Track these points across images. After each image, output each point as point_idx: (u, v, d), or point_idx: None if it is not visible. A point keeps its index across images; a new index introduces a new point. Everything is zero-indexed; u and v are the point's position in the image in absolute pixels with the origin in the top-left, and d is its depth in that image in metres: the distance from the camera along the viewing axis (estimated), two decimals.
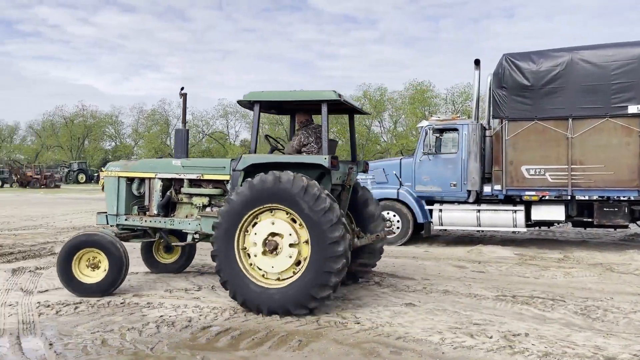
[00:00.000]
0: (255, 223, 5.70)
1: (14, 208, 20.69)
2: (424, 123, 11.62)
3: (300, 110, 6.70)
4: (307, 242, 5.50)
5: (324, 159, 5.77)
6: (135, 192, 7.15)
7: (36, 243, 10.75)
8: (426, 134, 11.05)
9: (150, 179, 7.01)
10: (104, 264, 6.32)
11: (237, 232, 5.69)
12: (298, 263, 5.57)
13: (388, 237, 10.96)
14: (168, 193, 6.92)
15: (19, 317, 5.41)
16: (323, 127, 5.94)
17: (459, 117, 11.97)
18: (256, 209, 5.64)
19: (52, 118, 79.67)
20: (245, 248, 5.73)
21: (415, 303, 6.13)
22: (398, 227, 11.12)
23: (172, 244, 7.48)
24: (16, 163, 50.85)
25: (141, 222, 6.96)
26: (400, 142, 65.51)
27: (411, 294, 6.65)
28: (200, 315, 5.57)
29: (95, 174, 56.02)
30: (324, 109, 5.96)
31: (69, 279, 6.29)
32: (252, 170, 5.94)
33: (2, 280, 7.14)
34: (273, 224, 5.61)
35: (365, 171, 7.09)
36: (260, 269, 5.67)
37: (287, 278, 5.58)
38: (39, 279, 7.25)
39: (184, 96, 7.19)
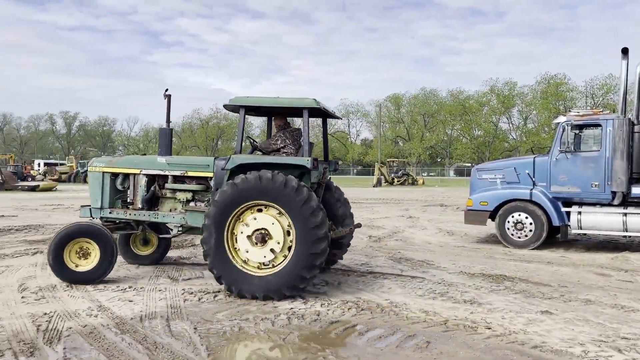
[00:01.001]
0: (242, 220, 6.21)
1: None
2: (561, 119, 10.77)
3: (279, 114, 7.21)
4: (289, 231, 6.09)
5: (306, 161, 6.31)
6: (119, 187, 7.54)
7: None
8: (564, 130, 10.25)
9: (135, 174, 7.42)
10: (94, 253, 6.68)
11: (226, 229, 6.18)
12: (286, 249, 6.12)
13: (519, 239, 10.45)
14: (152, 188, 7.36)
15: (167, 302, 5.97)
16: (304, 131, 6.59)
17: (601, 111, 10.92)
18: (241, 207, 6.15)
19: (190, 120, 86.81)
20: (235, 243, 6.22)
21: (552, 311, 5.73)
22: (530, 230, 10.45)
23: (161, 236, 7.96)
24: None
25: (125, 215, 7.39)
26: (530, 140, 61.36)
27: (547, 301, 6.23)
28: (328, 310, 5.72)
29: None
30: (305, 115, 6.51)
31: (61, 268, 6.58)
32: (237, 170, 6.40)
33: (152, 268, 7.92)
34: (255, 219, 6.15)
35: (336, 170, 7.53)
36: (251, 260, 6.17)
37: (278, 264, 6.12)
38: (183, 268, 7.94)
39: (168, 97, 7.61)
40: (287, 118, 7.36)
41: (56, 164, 57.31)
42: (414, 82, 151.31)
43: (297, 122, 9.56)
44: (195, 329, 5.02)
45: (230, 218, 6.17)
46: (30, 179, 42.43)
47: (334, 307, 5.81)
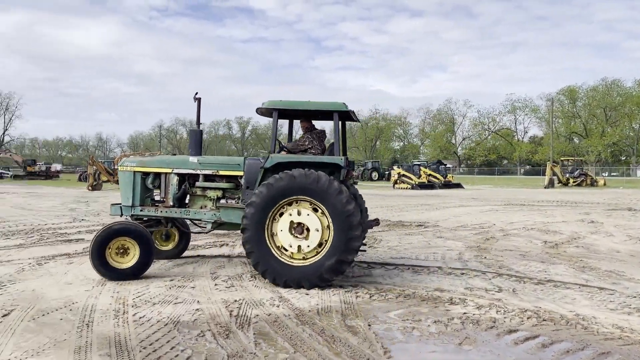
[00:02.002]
0: (281, 215, 6.65)
1: None
2: None
3: (310, 117, 7.61)
4: (326, 222, 6.54)
5: (340, 159, 6.82)
6: (149, 186, 7.76)
7: None
8: None
9: (166, 174, 7.68)
10: (134, 251, 6.94)
11: (266, 225, 6.63)
12: (321, 240, 6.57)
13: None
14: (183, 186, 7.63)
15: (340, 297, 6.20)
16: (335, 132, 6.97)
17: None
18: (280, 203, 6.60)
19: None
20: (276, 237, 6.65)
21: None
22: None
23: (192, 232, 8.54)
24: None
25: (157, 213, 7.64)
26: None
27: None
28: (505, 317, 5.43)
29: (387, 172, 60.23)
30: (336, 117, 6.98)
31: (103, 265, 6.82)
32: (272, 169, 6.85)
33: None
34: (293, 214, 6.60)
35: (353, 170, 7.80)
36: (293, 252, 6.60)
37: (319, 254, 6.57)
38: (354, 265, 8.16)
39: (198, 100, 7.86)
40: (312, 120, 7.74)
41: None
42: (592, 71, 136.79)
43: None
44: (369, 325, 5.14)
45: (270, 214, 6.63)
46: None
47: (511, 315, 5.50)
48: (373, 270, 7.88)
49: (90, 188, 32.99)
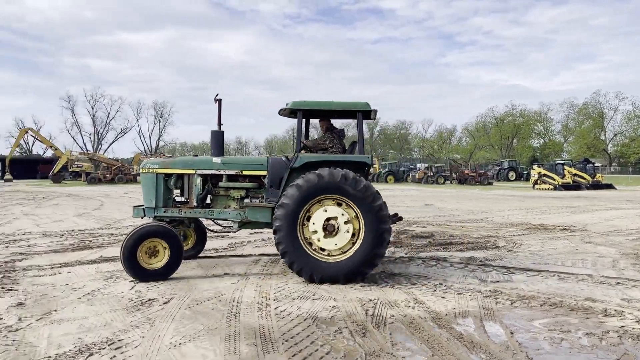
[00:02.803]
0: (312, 212, 6.81)
1: (456, 202, 23.14)
2: None
3: (334, 116, 7.84)
4: (356, 218, 6.78)
5: (367, 157, 7.22)
6: (172, 187, 7.73)
7: (480, 236, 11.66)
8: None
9: (190, 175, 7.69)
10: (163, 252, 6.99)
11: (299, 224, 6.77)
12: (353, 235, 6.76)
13: None
14: (206, 187, 7.67)
15: (479, 302, 5.96)
16: (359, 131, 7.29)
17: None
18: (311, 202, 6.75)
19: (484, 119, 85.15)
20: (309, 236, 6.79)
21: None
22: None
23: (217, 232, 8.84)
24: (455, 162, 56.66)
25: (180, 214, 7.63)
26: None
27: None
28: None
29: (525, 172, 56.65)
30: (360, 117, 7.27)
31: (134, 267, 6.86)
32: (300, 169, 7.08)
33: (461, 266, 8.05)
34: (325, 211, 6.78)
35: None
36: (326, 249, 6.78)
37: (351, 249, 6.77)
38: (491, 270, 7.82)
39: (219, 102, 7.85)
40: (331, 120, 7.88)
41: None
42: None
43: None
44: (512, 333, 4.88)
45: (301, 214, 6.77)
46: None
47: None
48: (513, 275, 7.46)
49: None
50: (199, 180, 7.64)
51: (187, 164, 7.72)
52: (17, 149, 65.83)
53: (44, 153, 72.89)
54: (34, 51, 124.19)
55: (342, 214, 6.80)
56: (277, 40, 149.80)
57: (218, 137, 8.03)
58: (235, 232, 7.70)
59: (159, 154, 74.30)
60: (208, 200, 7.80)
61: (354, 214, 6.82)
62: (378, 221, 6.72)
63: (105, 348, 4.48)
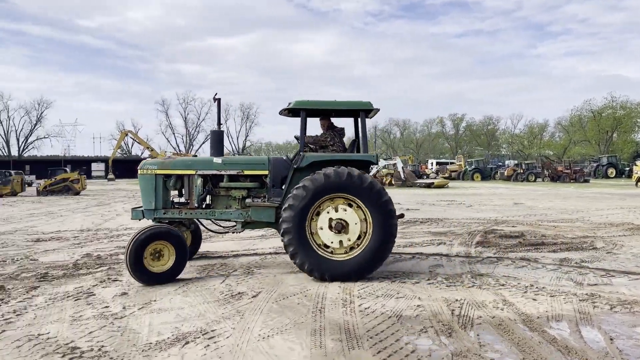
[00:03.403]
0: (319, 212, 6.85)
1: (548, 201, 21.97)
2: None
3: (336, 115, 7.92)
4: (364, 214, 6.83)
5: (372, 156, 7.32)
6: (171, 189, 7.55)
7: (575, 236, 11.00)
8: None
9: (190, 175, 7.51)
10: (168, 254, 6.86)
11: (307, 222, 6.78)
12: (360, 237, 6.84)
13: None
14: (207, 187, 7.53)
15: (574, 306, 5.65)
16: (362, 130, 7.39)
17: None
18: (319, 201, 6.77)
19: (580, 113, 79.94)
20: (317, 235, 6.83)
21: None
22: None
23: (216, 232, 8.31)
24: (547, 158, 53.79)
25: (181, 215, 7.49)
26: None
27: None
28: None
29: (627, 169, 52.62)
30: (362, 115, 7.35)
31: (140, 270, 6.67)
32: (305, 168, 7.09)
33: (554, 267, 7.66)
34: (332, 210, 6.83)
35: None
36: (334, 247, 6.83)
37: (360, 246, 6.84)
38: (587, 272, 7.37)
39: (217, 101, 7.68)
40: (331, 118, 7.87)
41: (447, 163, 62.16)
42: None
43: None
44: (611, 340, 4.59)
45: (308, 214, 6.76)
46: (425, 177, 47.44)
47: None
48: (613, 278, 6.99)
49: None
50: (199, 180, 7.52)
51: (187, 164, 7.61)
52: (119, 151, 70.94)
53: (142, 154, 77.95)
54: (133, 59, 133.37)
55: (349, 212, 6.86)
56: (359, 38, 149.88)
57: (218, 137, 7.94)
58: (239, 232, 7.66)
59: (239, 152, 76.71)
60: (208, 201, 7.72)
61: (361, 210, 6.88)
62: (385, 216, 6.81)
63: (199, 337, 4.75)
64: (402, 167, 39.08)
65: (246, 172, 7.51)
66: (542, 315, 5.31)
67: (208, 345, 4.54)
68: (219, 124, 8.05)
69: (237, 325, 5.09)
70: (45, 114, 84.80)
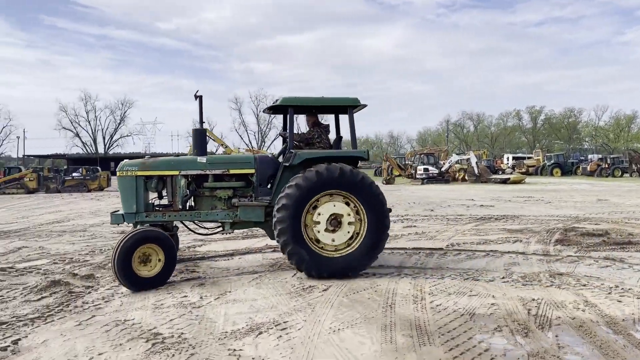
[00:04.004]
0: (314, 210, 6.78)
1: (636, 198, 20.54)
2: None
3: (323, 112, 8.00)
4: (358, 210, 6.82)
5: (363, 152, 7.32)
6: (153, 190, 7.19)
7: None
8: None
9: (173, 176, 7.19)
10: (156, 258, 6.52)
11: (302, 219, 6.70)
12: (355, 232, 6.84)
13: None
14: (191, 188, 7.26)
15: None
16: (350, 125, 7.23)
17: None
18: (312, 200, 6.71)
19: None
20: (312, 231, 6.77)
21: None
22: None
23: (203, 234, 8.13)
24: (636, 152, 50.25)
25: (164, 218, 7.12)
26: None
27: None
28: None
29: None
30: (350, 111, 7.29)
31: (129, 276, 6.33)
32: (295, 166, 6.96)
33: (639, 267, 7.19)
34: (326, 207, 6.78)
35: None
36: (328, 244, 6.79)
37: (351, 245, 6.84)
38: None
39: (199, 98, 7.37)
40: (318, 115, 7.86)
41: (524, 158, 59.66)
42: None
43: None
44: None
45: (303, 213, 6.67)
46: (500, 172, 45.79)
47: None
48: None
49: (384, 182, 35.83)
50: (183, 181, 7.27)
51: (170, 164, 7.24)
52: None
53: (217, 150, 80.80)
54: (208, 59, 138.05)
55: (343, 208, 6.81)
56: (430, 31, 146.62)
57: (200, 135, 7.69)
58: (229, 233, 7.45)
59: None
60: (190, 202, 7.48)
61: (355, 206, 6.85)
62: (379, 211, 6.84)
63: (272, 328, 4.89)
64: (476, 162, 37.95)
65: (232, 171, 7.27)
66: (628, 318, 5.01)
67: (280, 336, 4.66)
68: (201, 122, 7.77)
69: (308, 317, 5.19)
70: (128, 113, 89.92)
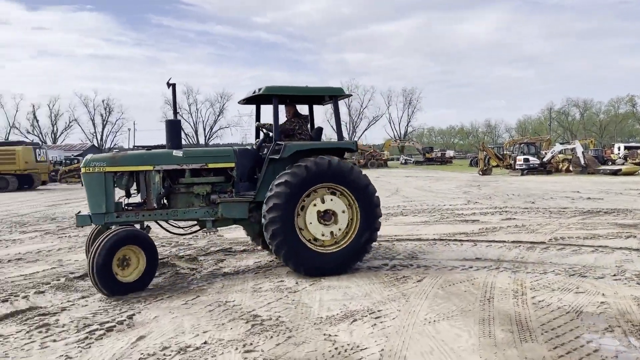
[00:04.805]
0: (305, 206, 6.49)
1: None
2: None
3: (308, 101, 7.73)
4: (349, 202, 6.69)
5: (352, 144, 7.45)
6: (123, 188, 6.60)
7: None
8: None
9: (147, 172, 6.59)
10: (136, 261, 5.98)
11: (295, 214, 6.39)
12: (349, 225, 6.70)
13: None
14: (166, 184, 6.72)
15: None
16: (335, 115, 7.12)
17: None
18: (303, 195, 6.43)
19: None
20: (305, 226, 6.50)
21: None
22: None
23: (181, 234, 7.44)
24: None
25: (138, 218, 6.55)
26: None
27: None
28: None
29: None
30: (335, 101, 7.20)
31: (107, 280, 5.74)
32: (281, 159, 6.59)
33: None
34: (323, 201, 6.56)
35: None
36: (320, 239, 6.54)
37: (345, 239, 6.66)
38: None
39: (172, 86, 6.87)
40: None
41: (638, 147, 54.79)
42: None
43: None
44: None
45: (295, 210, 6.38)
46: (610, 163, 42.42)
47: None
48: None
49: (480, 172, 34.53)
50: (157, 177, 6.64)
51: (143, 159, 6.63)
52: None
53: None
54: (301, 51, 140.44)
55: (335, 201, 6.63)
56: (531, 12, 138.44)
57: (174, 126, 7.10)
58: (212, 232, 7.08)
59: (407, 140, 76.47)
60: (173, 200, 6.89)
61: (346, 197, 6.69)
62: (371, 202, 6.71)
63: (366, 316, 4.91)
64: (583, 152, 35.40)
65: (210, 166, 6.80)
66: None
67: (375, 324, 4.67)
68: (175, 112, 7.29)
69: (403, 307, 5.15)
70: (226, 105, 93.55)
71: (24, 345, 4.38)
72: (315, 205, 6.56)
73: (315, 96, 7.49)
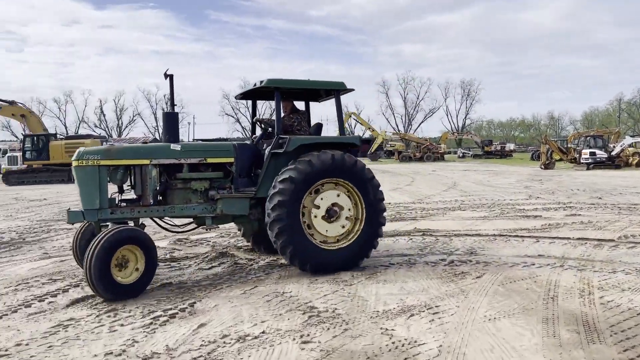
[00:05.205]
0: (312, 200, 6.39)
1: None
2: None
3: (309, 95, 7.58)
4: (355, 198, 6.58)
5: (356, 139, 7.13)
6: (118, 183, 6.33)
7: None
8: None
9: (143, 166, 6.28)
10: (135, 262, 5.66)
11: (300, 210, 6.24)
12: (355, 221, 6.60)
13: None
14: (162, 179, 6.47)
15: None
16: (338, 111, 6.93)
17: None
18: (308, 190, 6.30)
19: None
20: (310, 222, 6.39)
21: None
22: None
23: (175, 232, 7.04)
24: None
25: (134, 214, 6.22)
26: None
27: None
28: None
29: None
30: (338, 96, 6.99)
31: (106, 282, 5.37)
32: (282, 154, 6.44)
33: None
34: (323, 198, 6.43)
35: None
36: (328, 236, 6.46)
37: (351, 235, 6.55)
38: None
39: (170, 77, 6.56)
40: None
41: None
42: None
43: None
44: None
45: (300, 207, 6.23)
46: None
47: None
48: None
49: (543, 166, 33.26)
50: (154, 172, 6.36)
51: (140, 152, 6.37)
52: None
53: (363, 134, 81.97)
54: (356, 43, 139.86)
55: (341, 197, 6.52)
56: None
57: (172, 119, 6.79)
58: (211, 230, 6.72)
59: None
60: (170, 195, 6.60)
61: (350, 192, 6.59)
62: (377, 198, 6.65)
63: (424, 311, 4.85)
64: None
65: (209, 160, 6.59)
66: None
67: (432, 320, 4.60)
68: (172, 104, 6.95)
69: (461, 303, 5.05)
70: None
71: (94, 328, 4.61)
72: (322, 199, 6.45)
73: (313, 92, 7.41)
